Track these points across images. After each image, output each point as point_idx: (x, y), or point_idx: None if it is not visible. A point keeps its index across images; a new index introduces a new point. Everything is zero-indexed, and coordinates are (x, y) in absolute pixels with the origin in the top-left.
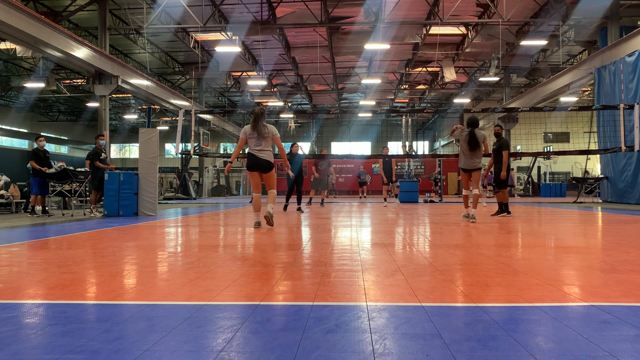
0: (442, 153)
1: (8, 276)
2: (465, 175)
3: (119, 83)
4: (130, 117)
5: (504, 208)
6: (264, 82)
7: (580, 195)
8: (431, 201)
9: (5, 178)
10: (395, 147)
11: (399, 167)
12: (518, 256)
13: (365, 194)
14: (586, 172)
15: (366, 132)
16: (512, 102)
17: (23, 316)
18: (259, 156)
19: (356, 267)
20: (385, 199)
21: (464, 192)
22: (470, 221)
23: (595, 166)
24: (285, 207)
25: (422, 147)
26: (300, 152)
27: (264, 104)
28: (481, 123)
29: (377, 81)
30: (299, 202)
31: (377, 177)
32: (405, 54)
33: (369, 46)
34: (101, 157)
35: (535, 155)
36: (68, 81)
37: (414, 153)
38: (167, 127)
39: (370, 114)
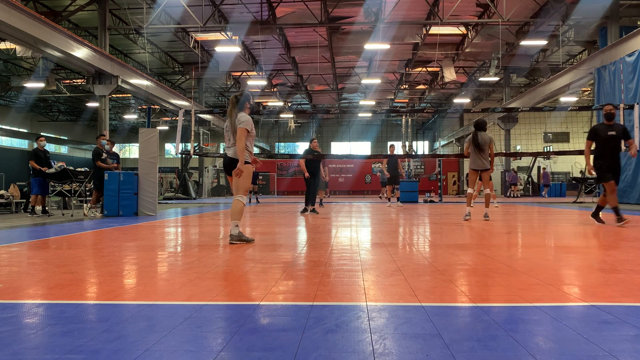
0: (442, 153)
1: (8, 276)
2: (474, 174)
3: (119, 83)
4: (130, 117)
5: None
6: (264, 82)
7: (580, 195)
8: (431, 201)
9: None
10: (395, 147)
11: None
12: (518, 256)
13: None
14: (581, 172)
15: (366, 132)
16: (512, 102)
17: (23, 316)
18: (226, 152)
19: (356, 267)
20: (389, 199)
21: (469, 190)
22: (484, 219)
23: None
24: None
25: (422, 147)
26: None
27: (264, 103)
28: None
29: (377, 81)
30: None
31: (375, 177)
32: (405, 54)
33: (369, 46)
34: (102, 157)
35: (535, 155)
36: (68, 81)
37: (414, 153)
38: (167, 127)
39: (370, 114)
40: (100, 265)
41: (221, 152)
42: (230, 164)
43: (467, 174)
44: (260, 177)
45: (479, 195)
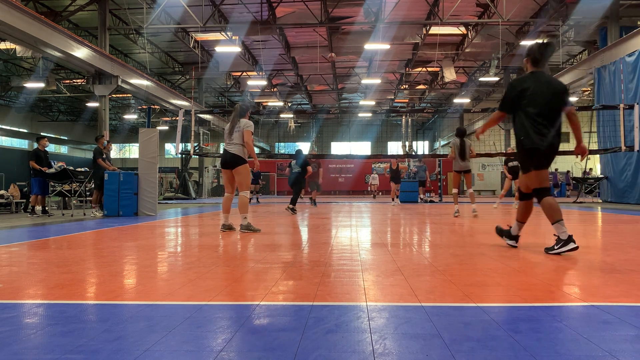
0: (442, 153)
1: (8, 276)
2: (457, 176)
3: (119, 83)
4: (130, 117)
5: None
6: (264, 82)
7: (580, 195)
8: (431, 201)
9: None
10: (395, 147)
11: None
12: (518, 256)
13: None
14: (568, 171)
15: (366, 132)
16: None
17: (23, 316)
18: (227, 149)
19: (356, 267)
20: (393, 199)
21: (454, 190)
22: (473, 214)
23: (595, 166)
24: (293, 210)
25: (422, 147)
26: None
27: (264, 103)
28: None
29: (377, 81)
30: (292, 202)
31: (380, 177)
32: (405, 54)
33: (369, 46)
34: (103, 156)
35: None
36: (68, 81)
37: (413, 153)
38: (167, 127)
39: (370, 114)
40: (100, 265)
41: (221, 152)
42: (231, 160)
43: (453, 176)
44: (261, 178)
45: (463, 195)
